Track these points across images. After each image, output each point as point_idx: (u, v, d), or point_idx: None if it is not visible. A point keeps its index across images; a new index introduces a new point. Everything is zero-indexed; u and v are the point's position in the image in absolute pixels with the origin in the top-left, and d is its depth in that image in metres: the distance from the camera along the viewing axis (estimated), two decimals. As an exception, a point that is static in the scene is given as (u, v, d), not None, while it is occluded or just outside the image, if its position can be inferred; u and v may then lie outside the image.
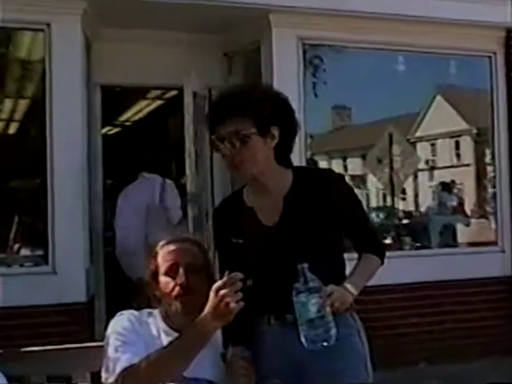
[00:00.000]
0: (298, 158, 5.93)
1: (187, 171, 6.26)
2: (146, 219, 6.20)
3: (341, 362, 2.50)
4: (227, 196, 2.81)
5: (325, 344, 2.30)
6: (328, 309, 2.29)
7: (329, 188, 2.55)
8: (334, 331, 2.29)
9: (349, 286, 2.45)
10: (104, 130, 7.79)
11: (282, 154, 2.57)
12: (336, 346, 2.36)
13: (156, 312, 2.61)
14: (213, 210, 2.79)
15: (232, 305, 2.18)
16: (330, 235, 2.55)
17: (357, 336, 2.60)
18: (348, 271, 2.60)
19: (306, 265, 2.27)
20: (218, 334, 2.47)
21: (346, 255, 2.63)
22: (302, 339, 2.30)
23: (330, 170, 2.96)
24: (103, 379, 2.48)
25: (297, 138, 2.64)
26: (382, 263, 2.67)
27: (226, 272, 2.24)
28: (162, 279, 2.56)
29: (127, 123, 11.06)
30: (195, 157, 6.30)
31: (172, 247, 2.60)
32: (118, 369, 2.38)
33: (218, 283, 2.22)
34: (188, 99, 6.25)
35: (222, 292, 2.19)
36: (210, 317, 2.23)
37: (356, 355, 2.58)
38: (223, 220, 2.68)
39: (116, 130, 11.28)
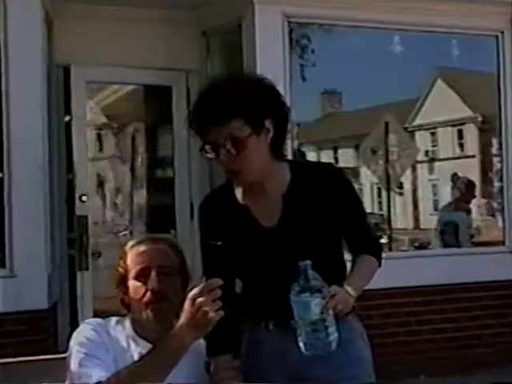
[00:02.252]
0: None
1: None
2: None
3: (347, 369, 2.56)
4: (214, 190, 2.80)
5: (325, 350, 2.29)
6: (330, 311, 2.29)
7: (329, 185, 2.58)
8: (335, 336, 2.29)
9: (349, 288, 2.47)
10: (67, 118, 7.75)
11: (277, 146, 2.57)
12: (342, 351, 2.40)
13: (125, 320, 2.60)
14: (199, 206, 2.77)
15: (210, 314, 2.17)
16: (332, 235, 2.59)
17: (361, 340, 2.67)
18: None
19: (309, 262, 2.26)
20: (199, 341, 2.45)
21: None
22: (300, 344, 2.29)
23: (329, 165, 2.98)
24: (66, 396, 2.47)
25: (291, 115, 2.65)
26: (380, 265, 2.71)
27: (203, 278, 2.24)
28: (132, 284, 2.56)
29: (94, 110, 11.01)
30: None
31: (142, 248, 2.60)
32: (84, 386, 2.37)
33: (195, 291, 2.22)
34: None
35: (199, 301, 2.18)
36: (187, 328, 2.23)
37: (362, 361, 2.64)
38: (212, 217, 2.66)
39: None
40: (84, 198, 6.36)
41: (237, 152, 2.43)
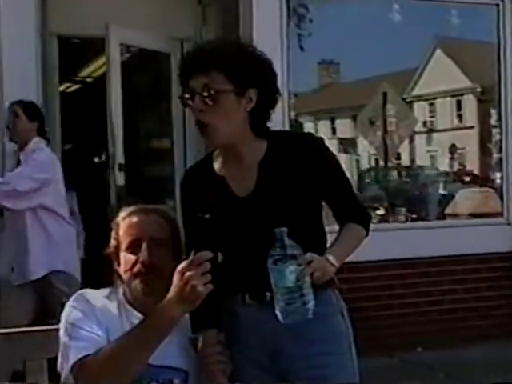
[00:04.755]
0: (280, 118, 5.94)
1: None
2: None
3: (324, 345, 2.55)
4: (195, 164, 2.82)
5: (302, 317, 2.28)
6: (307, 278, 2.29)
7: (307, 153, 2.56)
8: (311, 304, 2.29)
9: (330, 257, 2.46)
10: (62, 87, 7.75)
11: (259, 122, 2.57)
12: (318, 326, 2.43)
13: (118, 291, 2.62)
14: (180, 181, 2.78)
15: (199, 288, 2.18)
16: (309, 205, 2.57)
17: (340, 316, 2.64)
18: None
19: (284, 229, 2.27)
20: (186, 315, 2.45)
21: (327, 228, 2.66)
22: (277, 312, 2.30)
23: (308, 134, 2.99)
24: (59, 367, 2.48)
25: (279, 97, 2.63)
26: (367, 234, 2.69)
27: (192, 252, 2.24)
28: (123, 255, 2.57)
29: (89, 79, 10.99)
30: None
31: (134, 219, 2.60)
32: (73, 358, 2.38)
33: (183, 264, 2.22)
34: (114, 53, 6.32)
35: (188, 274, 2.19)
36: (175, 301, 2.24)
37: (340, 337, 2.61)
38: (191, 192, 2.67)
39: (76, 86, 11.21)
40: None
41: (210, 103, 2.45)
